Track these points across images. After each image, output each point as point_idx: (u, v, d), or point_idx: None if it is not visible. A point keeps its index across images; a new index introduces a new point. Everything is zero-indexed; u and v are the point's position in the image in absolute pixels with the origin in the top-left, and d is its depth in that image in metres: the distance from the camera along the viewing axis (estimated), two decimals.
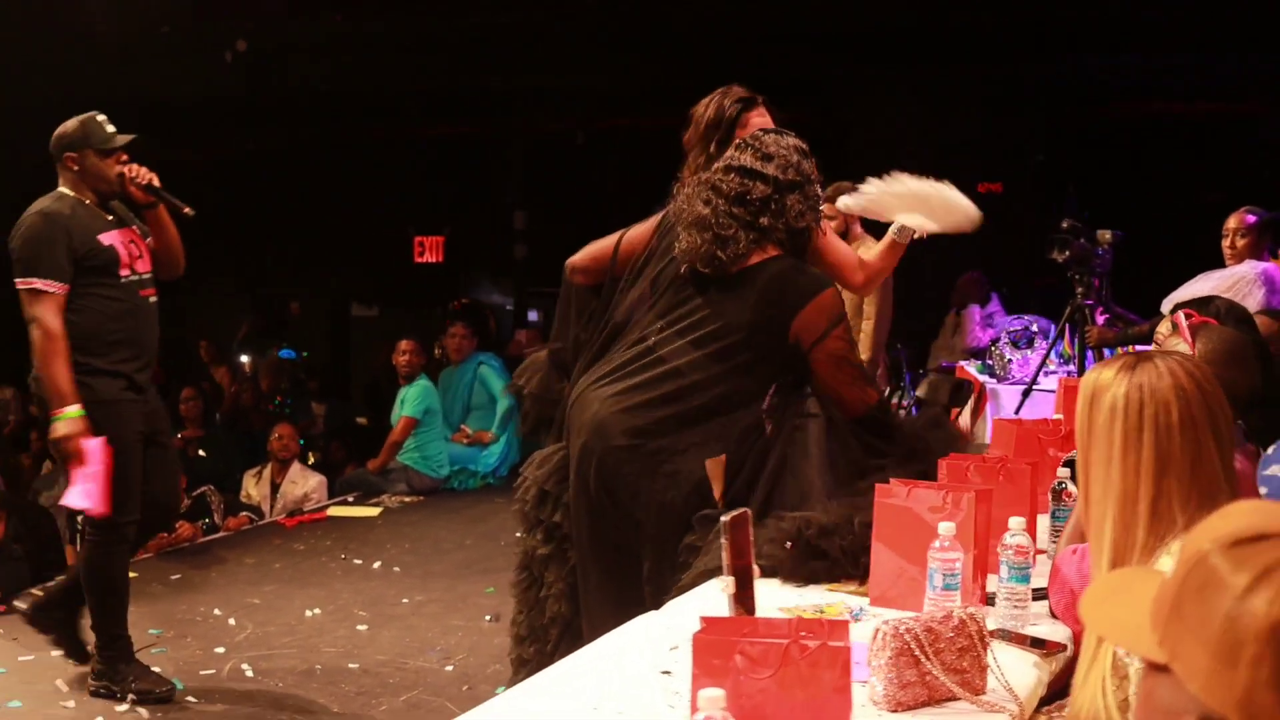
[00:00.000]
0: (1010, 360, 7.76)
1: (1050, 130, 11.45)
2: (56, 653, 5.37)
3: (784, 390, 3.75)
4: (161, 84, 12.46)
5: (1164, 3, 10.13)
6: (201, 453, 9.24)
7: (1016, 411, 6.97)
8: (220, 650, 5.59)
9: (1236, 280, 6.02)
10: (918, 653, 2.32)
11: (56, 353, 4.70)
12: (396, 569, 7.01)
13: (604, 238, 4.01)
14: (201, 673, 5.32)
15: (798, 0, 10.93)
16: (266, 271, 15.26)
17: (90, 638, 5.11)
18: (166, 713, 4.89)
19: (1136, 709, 1.92)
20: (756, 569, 2.58)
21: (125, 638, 5.06)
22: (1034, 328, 7.74)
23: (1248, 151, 10.97)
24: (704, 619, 2.13)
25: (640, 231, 3.87)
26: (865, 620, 2.95)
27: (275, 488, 8.63)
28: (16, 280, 4.76)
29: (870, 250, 7.30)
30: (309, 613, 6.14)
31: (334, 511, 8.45)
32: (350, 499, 8.87)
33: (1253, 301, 5.73)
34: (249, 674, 5.30)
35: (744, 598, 2.50)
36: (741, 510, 2.54)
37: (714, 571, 3.14)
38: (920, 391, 7.97)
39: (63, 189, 4.93)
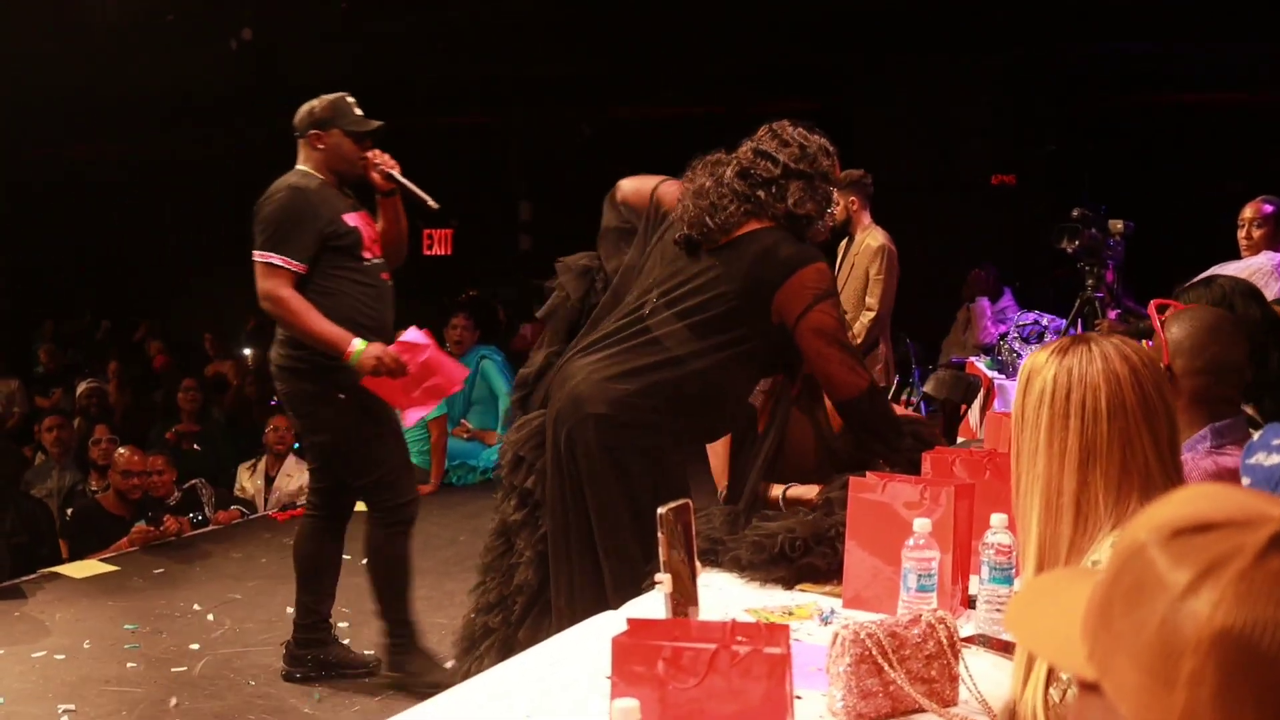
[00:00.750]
0: (1020, 355, 7.54)
1: (1064, 119, 11.19)
2: (38, 653, 5.25)
3: (777, 386, 3.58)
4: (165, 74, 12.32)
5: None
6: (196, 446, 9.08)
7: None
8: (195, 647, 5.44)
9: (1254, 272, 5.82)
10: (880, 660, 2.13)
11: (304, 309, 4.54)
12: None
13: (652, 176, 3.82)
14: (173, 670, 5.16)
15: None
16: None
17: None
18: (131, 712, 4.72)
19: None
20: (699, 565, 2.37)
21: (412, 624, 5.01)
22: (1044, 322, 7.53)
23: (1265, 141, 10.70)
24: (630, 621, 1.94)
25: (672, 189, 3.67)
26: (835, 623, 2.76)
27: (269, 481, 8.46)
28: (255, 252, 4.61)
29: (874, 238, 7.14)
30: (290, 609, 5.93)
31: None
32: None
33: (1269, 293, 5.52)
34: (221, 672, 5.13)
35: (684, 597, 2.30)
36: (681, 501, 2.34)
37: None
38: (928, 388, 7.77)
39: (304, 167, 4.78)
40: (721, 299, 3.37)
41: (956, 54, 10.78)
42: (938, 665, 2.18)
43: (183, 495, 7.60)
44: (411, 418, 4.85)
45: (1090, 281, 6.84)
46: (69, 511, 7.53)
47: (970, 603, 2.82)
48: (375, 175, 4.77)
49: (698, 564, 2.37)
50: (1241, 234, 6.11)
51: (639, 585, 3.05)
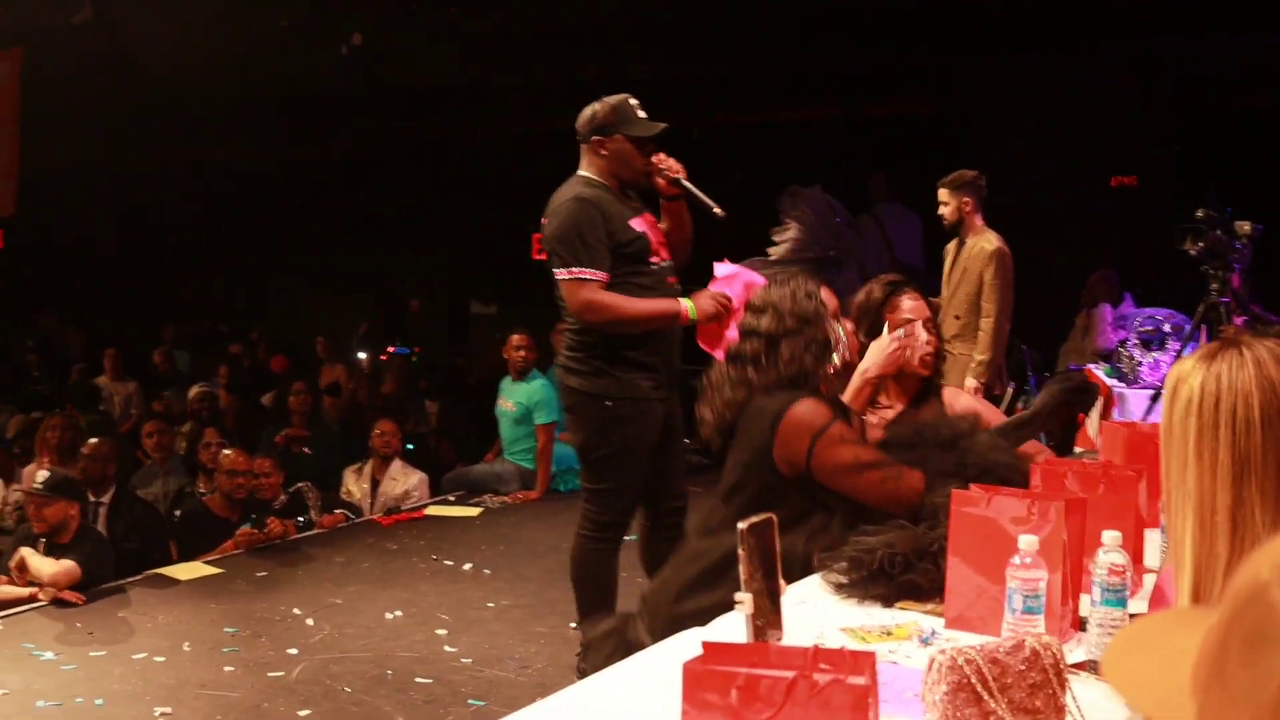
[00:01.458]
0: (1140, 363, 7.27)
1: (1188, 118, 10.78)
2: (139, 654, 5.29)
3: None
4: (278, 79, 12.45)
5: None
6: (305, 449, 9.11)
7: (1145, 417, 6.50)
8: (293, 651, 5.40)
9: None
10: (979, 688, 1.97)
11: (621, 301, 4.51)
12: (487, 571, 6.77)
13: None
14: (269, 674, 5.13)
15: None
16: (386, 269, 15.19)
17: None
18: (226, 716, 4.70)
19: None
20: (783, 584, 2.23)
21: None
22: (1166, 327, 7.23)
23: None
24: (706, 644, 1.81)
25: None
26: (936, 645, 2.60)
27: (375, 485, 8.46)
28: (557, 272, 4.56)
29: (988, 242, 6.92)
30: (389, 615, 5.93)
31: (432, 511, 8.24)
32: (451, 498, 8.66)
33: None
34: (317, 678, 5.09)
35: (766, 619, 2.16)
36: (765, 516, 2.20)
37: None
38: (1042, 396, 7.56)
39: (586, 173, 4.70)
40: (740, 479, 3.30)
41: (1076, 51, 10.44)
42: (1043, 695, 2.02)
43: (289, 498, 7.62)
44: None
45: (1215, 286, 6.56)
46: (177, 514, 7.58)
47: (1081, 624, 2.64)
48: (660, 180, 4.65)
49: (782, 582, 2.23)
50: None
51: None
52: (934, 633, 2.67)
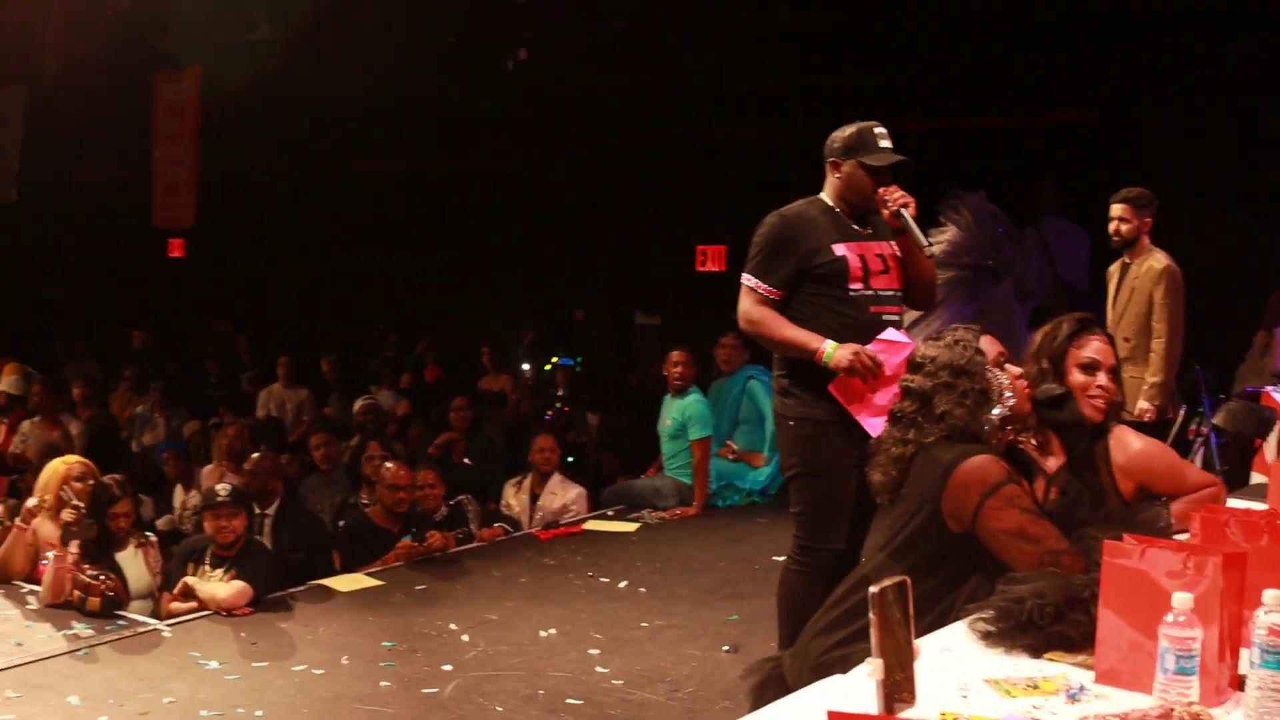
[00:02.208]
0: None
1: None
2: (299, 666, 5.41)
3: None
4: (445, 93, 12.65)
5: None
6: (466, 461, 9.23)
7: None
8: (447, 668, 5.45)
9: None
10: None
11: (769, 318, 4.60)
12: (642, 589, 6.77)
13: None
14: (423, 691, 5.19)
15: None
16: (551, 279, 15.32)
17: None
18: None
19: None
20: (917, 648, 2.16)
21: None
22: None
23: None
24: (831, 714, 1.76)
25: None
26: (1084, 702, 2.51)
27: (534, 499, 8.54)
28: (744, 275, 4.72)
29: (1157, 261, 6.69)
30: (543, 633, 5.96)
31: (590, 525, 8.28)
32: (610, 513, 8.69)
33: None
34: (469, 696, 5.14)
35: (898, 686, 2.09)
36: (899, 579, 2.14)
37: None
38: (1218, 419, 7.29)
39: (822, 194, 4.77)
40: (912, 531, 3.27)
41: (1255, 42, 9.91)
42: None
43: (449, 511, 7.72)
44: (875, 427, 4.55)
45: None
46: (340, 524, 7.74)
47: (1239, 683, 2.52)
48: (884, 211, 4.61)
49: (916, 645, 2.16)
50: None
51: None
52: (1082, 688, 2.57)
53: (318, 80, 13.22)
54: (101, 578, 6.19)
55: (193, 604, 6.32)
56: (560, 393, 12.38)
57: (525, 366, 13.71)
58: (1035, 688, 2.61)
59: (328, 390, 12.43)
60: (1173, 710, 1.97)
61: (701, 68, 12.14)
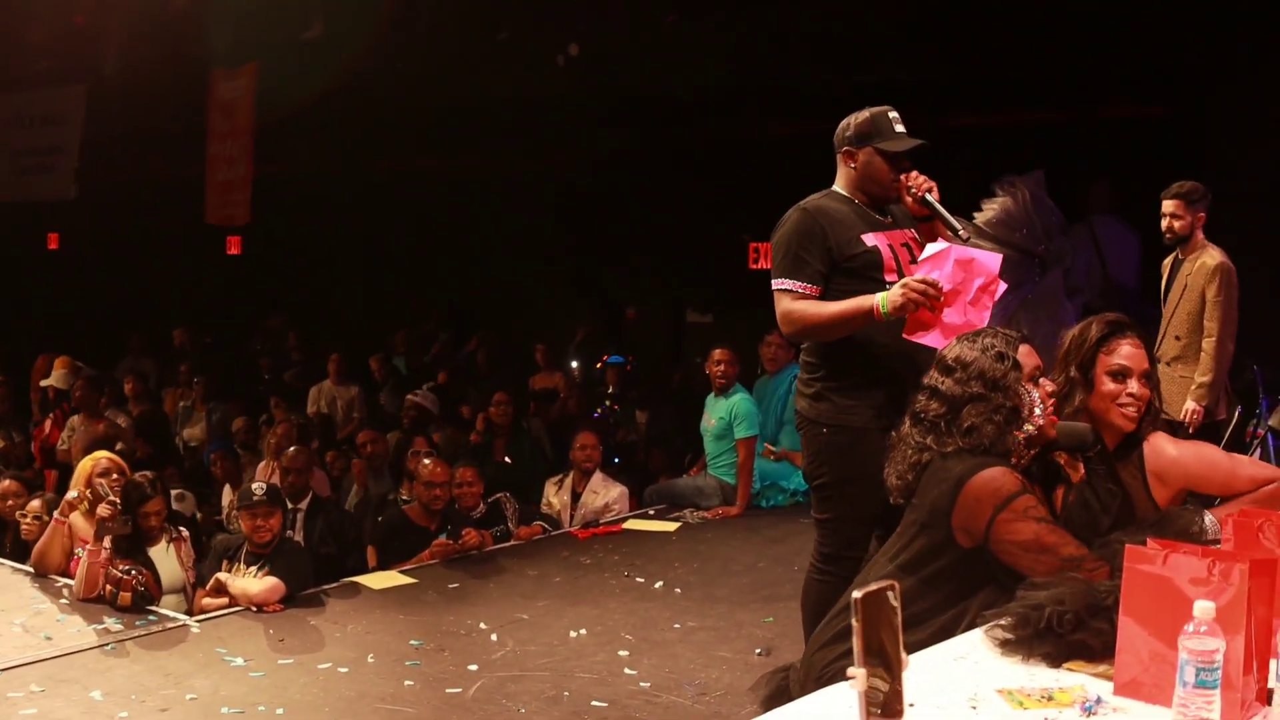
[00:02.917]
0: None
1: None
2: (324, 664, 5.35)
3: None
4: (498, 89, 12.59)
5: None
6: (507, 459, 9.15)
7: None
8: (473, 668, 5.37)
9: None
10: None
11: (811, 306, 4.32)
12: (677, 590, 6.65)
13: None
14: (447, 690, 5.11)
15: None
16: (603, 276, 15.23)
17: None
18: None
19: None
20: (906, 659, 2.03)
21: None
22: None
23: None
24: None
25: None
26: (1099, 715, 2.38)
27: (576, 497, 8.44)
28: (773, 282, 4.45)
29: (1211, 257, 6.49)
30: (574, 633, 5.86)
31: (631, 525, 8.17)
32: (651, 512, 8.58)
33: None
34: (493, 697, 5.05)
35: (883, 697, 1.96)
36: (886, 583, 2.01)
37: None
38: (1275, 420, 7.07)
39: (836, 186, 4.58)
40: (921, 544, 3.20)
41: None
42: None
43: (488, 509, 7.64)
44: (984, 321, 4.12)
45: None
46: (379, 520, 7.69)
47: (1267, 697, 2.38)
48: (908, 199, 4.41)
49: (905, 657, 2.03)
50: None
51: None
52: (1100, 700, 2.44)
53: (373, 78, 13.20)
54: (133, 573, 6.17)
55: (225, 600, 6.30)
56: (610, 391, 12.28)
57: (574, 364, 13.61)
58: (1050, 699, 2.48)
59: (376, 387, 12.42)
60: None
61: (751, 64, 11.99)
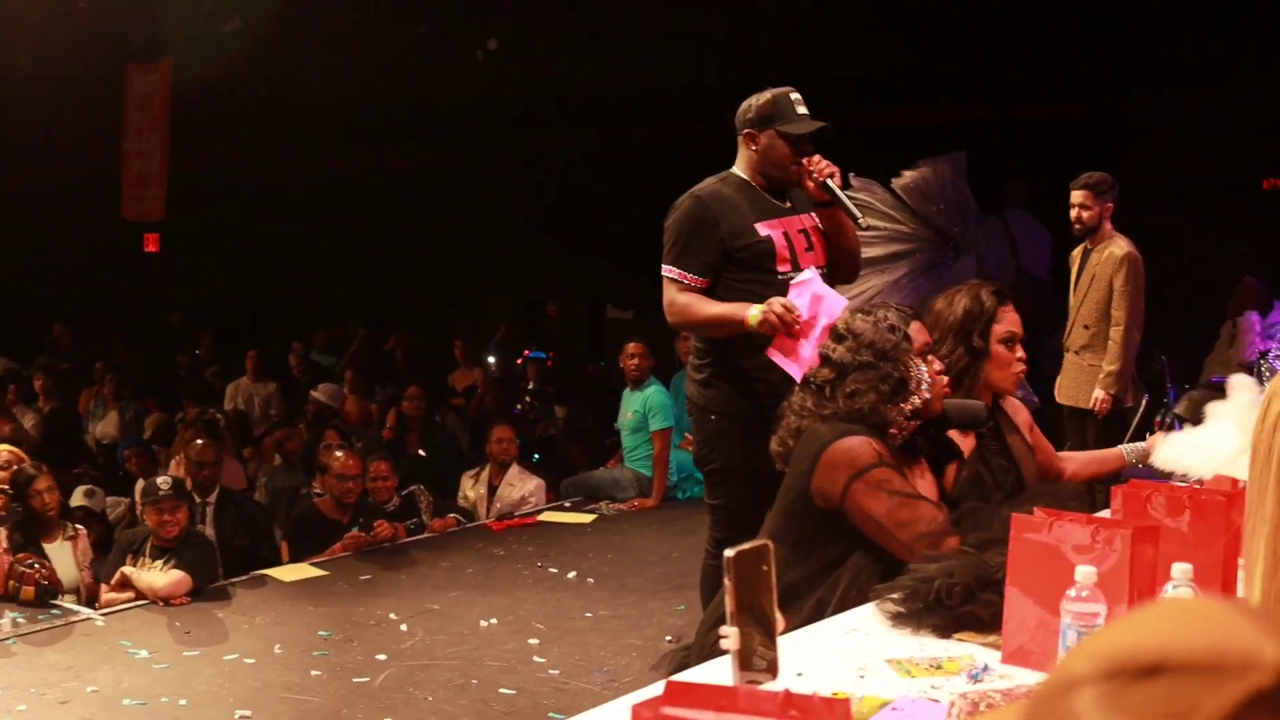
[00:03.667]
0: None
1: None
2: (230, 656, 5.29)
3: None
4: (415, 86, 12.52)
5: None
6: (421, 452, 9.09)
7: None
8: (381, 657, 5.33)
9: None
10: None
11: (691, 301, 4.24)
12: (590, 580, 6.63)
13: None
14: (354, 680, 5.06)
15: None
16: (525, 273, 15.19)
17: None
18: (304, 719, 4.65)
19: None
20: (782, 619, 2.02)
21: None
22: None
23: None
24: (670, 684, 1.63)
25: None
26: (985, 682, 2.38)
27: (492, 490, 8.40)
28: (663, 267, 4.34)
29: (1118, 247, 6.58)
30: (484, 623, 5.83)
31: (546, 517, 8.13)
32: (567, 504, 8.55)
33: None
34: (400, 685, 5.01)
35: (757, 656, 1.95)
36: (760, 543, 1.99)
37: None
38: (1180, 409, 7.16)
39: (735, 168, 4.44)
40: (786, 508, 3.14)
41: (1233, 46, 9.83)
42: None
43: (401, 501, 7.58)
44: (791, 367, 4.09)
45: None
46: (291, 513, 7.60)
47: None
48: (809, 183, 4.29)
49: (780, 618, 2.02)
50: None
51: None
52: (986, 668, 2.45)
53: (289, 72, 13.07)
54: (35, 566, 6.06)
55: (130, 594, 6.20)
56: (530, 386, 12.25)
57: (492, 360, 13.56)
58: (938, 668, 2.49)
59: (295, 384, 12.30)
60: None
61: (672, 61, 12.01)
